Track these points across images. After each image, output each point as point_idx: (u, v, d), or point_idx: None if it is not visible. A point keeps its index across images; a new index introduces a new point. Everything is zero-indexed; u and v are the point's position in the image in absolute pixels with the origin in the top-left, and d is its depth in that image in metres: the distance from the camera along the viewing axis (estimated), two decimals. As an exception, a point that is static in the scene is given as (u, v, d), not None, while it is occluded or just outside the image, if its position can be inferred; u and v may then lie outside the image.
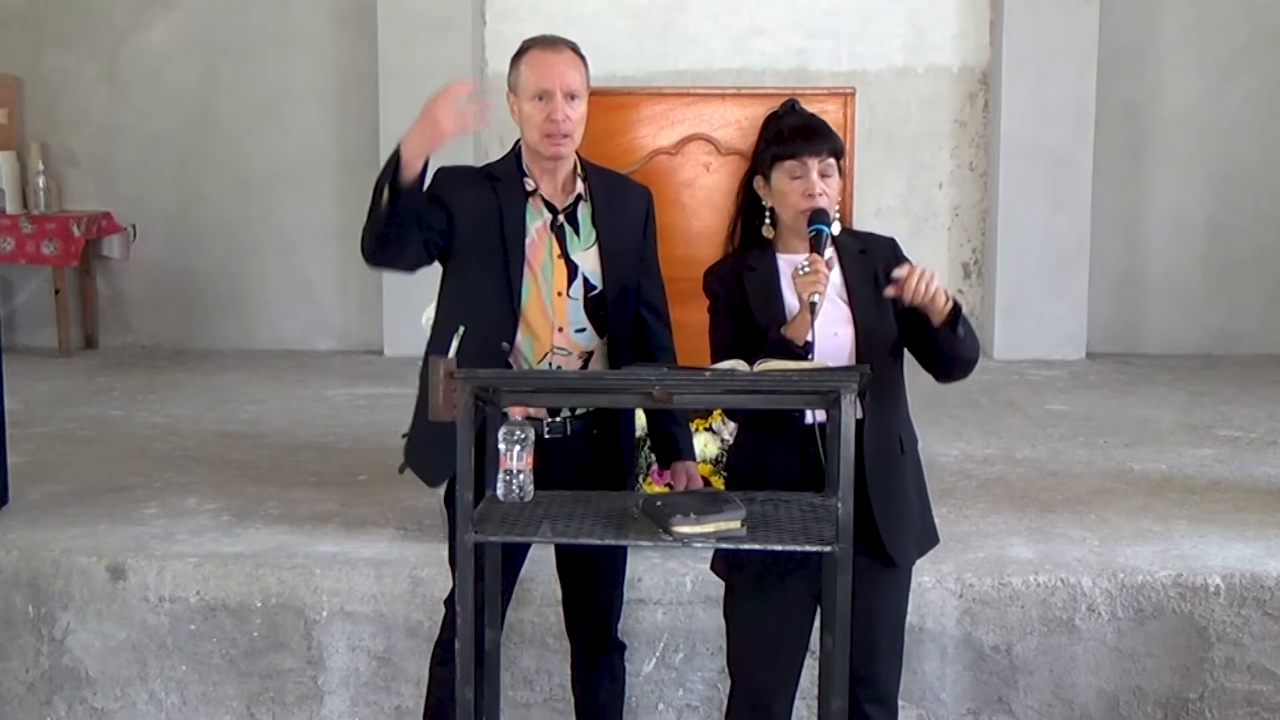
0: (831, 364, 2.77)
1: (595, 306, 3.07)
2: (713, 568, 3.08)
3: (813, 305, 2.74)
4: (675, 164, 4.37)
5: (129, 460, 4.98)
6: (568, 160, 3.07)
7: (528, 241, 3.04)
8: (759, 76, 6.99)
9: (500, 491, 2.68)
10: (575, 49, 3.06)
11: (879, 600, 2.88)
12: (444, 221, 3.03)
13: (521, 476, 2.66)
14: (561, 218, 3.07)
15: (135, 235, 7.32)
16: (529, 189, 3.06)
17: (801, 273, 2.77)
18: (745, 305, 2.89)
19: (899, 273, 2.76)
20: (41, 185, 7.13)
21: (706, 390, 2.75)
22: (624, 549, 3.20)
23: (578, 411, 3.07)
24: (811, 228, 2.83)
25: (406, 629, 3.78)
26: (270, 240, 7.36)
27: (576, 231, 3.08)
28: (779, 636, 2.92)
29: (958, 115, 7.14)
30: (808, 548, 2.57)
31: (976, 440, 5.22)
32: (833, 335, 2.85)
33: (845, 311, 2.86)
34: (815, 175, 2.85)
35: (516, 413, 2.67)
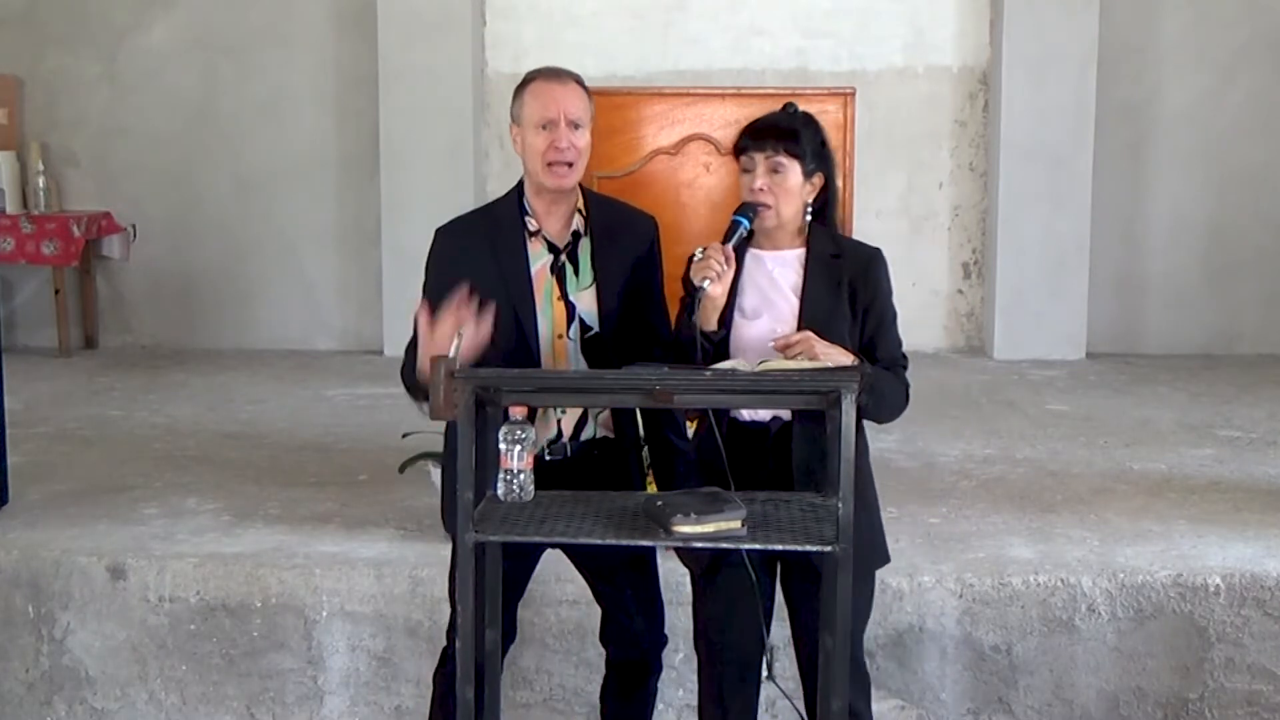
0: (819, 361, 2.76)
1: (592, 348, 3.04)
2: (684, 562, 3.12)
3: (700, 290, 2.79)
4: (675, 164, 4.37)
5: (129, 460, 4.98)
6: (571, 193, 3.04)
7: (534, 289, 3.00)
8: (759, 76, 6.99)
9: (500, 491, 2.68)
10: (579, 80, 3.03)
11: (813, 605, 2.83)
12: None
13: (522, 476, 2.66)
14: (563, 257, 3.04)
15: (135, 235, 7.32)
16: (530, 229, 3.03)
17: (696, 259, 2.82)
18: None
19: (781, 341, 2.79)
20: (41, 185, 7.13)
21: (706, 390, 2.75)
22: (655, 579, 3.20)
23: (583, 436, 3.06)
24: (733, 217, 2.88)
25: (406, 629, 3.78)
26: (270, 240, 7.36)
27: (576, 270, 3.04)
28: (734, 627, 2.94)
29: (958, 115, 7.14)
30: (808, 547, 2.57)
31: (976, 440, 5.22)
32: (771, 332, 2.87)
33: (793, 311, 2.88)
34: (761, 170, 2.88)
35: (517, 412, 2.67)
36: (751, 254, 2.95)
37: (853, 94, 4.29)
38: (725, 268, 2.83)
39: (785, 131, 2.90)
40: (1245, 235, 7.14)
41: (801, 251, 2.93)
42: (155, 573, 3.85)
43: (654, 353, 3.05)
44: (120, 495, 4.50)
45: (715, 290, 2.83)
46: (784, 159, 2.88)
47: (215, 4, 7.26)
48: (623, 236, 3.10)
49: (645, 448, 3.25)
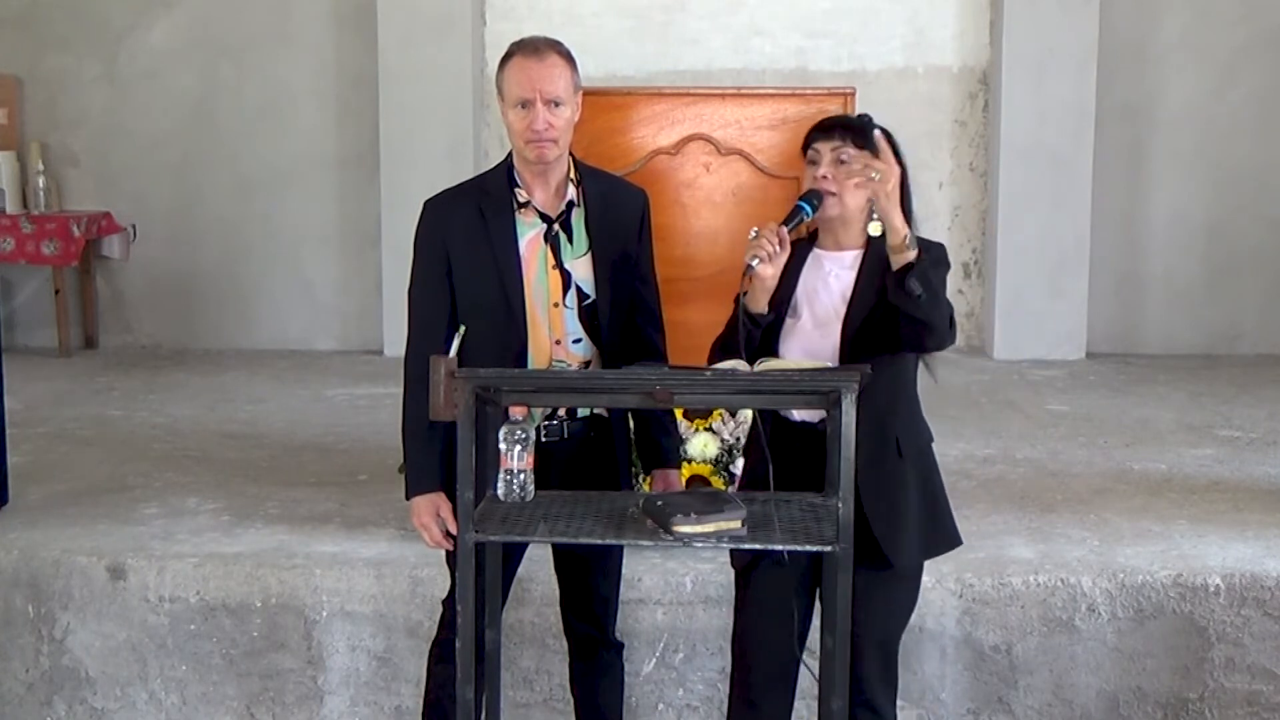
0: (819, 361, 2.80)
1: (589, 316, 3.05)
2: (732, 563, 3.11)
3: (750, 269, 2.79)
4: (675, 164, 4.36)
5: (129, 460, 4.98)
6: (560, 164, 3.03)
7: (521, 257, 3.02)
8: (759, 76, 6.99)
9: (501, 491, 2.68)
10: (560, 51, 3.01)
11: (870, 604, 2.85)
12: (447, 272, 3.03)
13: (522, 476, 2.67)
14: (556, 226, 3.04)
15: (135, 235, 7.32)
16: (520, 200, 3.03)
17: (751, 238, 2.82)
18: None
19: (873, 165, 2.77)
20: (41, 185, 7.13)
21: (706, 390, 2.75)
22: (620, 549, 3.20)
23: (578, 414, 3.07)
24: (797, 202, 2.88)
25: (406, 629, 3.78)
26: (270, 240, 7.36)
27: (570, 239, 3.05)
28: (770, 629, 2.94)
29: (958, 115, 7.14)
30: (808, 547, 2.57)
31: (976, 440, 5.22)
32: (807, 332, 2.89)
33: (837, 314, 2.89)
34: (826, 160, 2.88)
35: (517, 412, 2.67)
36: (813, 255, 2.96)
37: (853, 94, 4.27)
38: (778, 249, 2.82)
39: (853, 125, 2.91)
40: (1245, 235, 7.14)
41: (859, 253, 2.93)
42: (155, 573, 3.86)
43: (637, 321, 3.09)
44: (120, 495, 4.50)
45: (765, 270, 2.81)
46: (851, 149, 2.87)
47: (215, 4, 7.26)
48: (616, 205, 3.11)
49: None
